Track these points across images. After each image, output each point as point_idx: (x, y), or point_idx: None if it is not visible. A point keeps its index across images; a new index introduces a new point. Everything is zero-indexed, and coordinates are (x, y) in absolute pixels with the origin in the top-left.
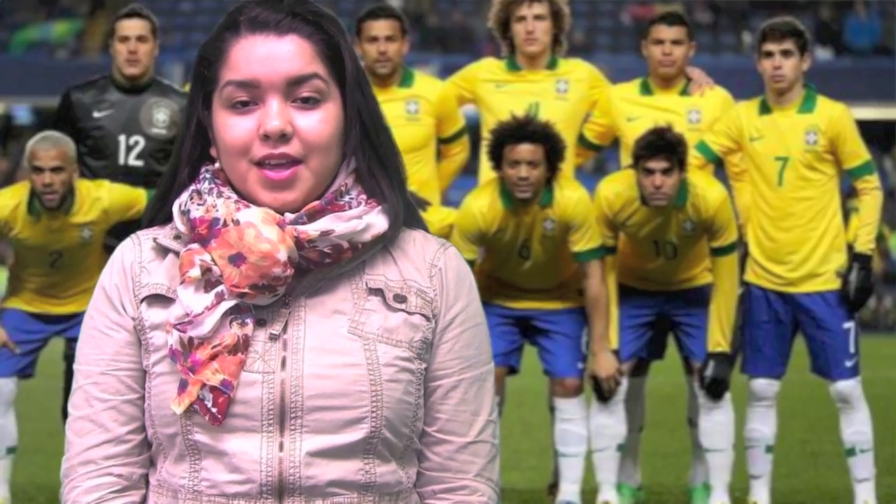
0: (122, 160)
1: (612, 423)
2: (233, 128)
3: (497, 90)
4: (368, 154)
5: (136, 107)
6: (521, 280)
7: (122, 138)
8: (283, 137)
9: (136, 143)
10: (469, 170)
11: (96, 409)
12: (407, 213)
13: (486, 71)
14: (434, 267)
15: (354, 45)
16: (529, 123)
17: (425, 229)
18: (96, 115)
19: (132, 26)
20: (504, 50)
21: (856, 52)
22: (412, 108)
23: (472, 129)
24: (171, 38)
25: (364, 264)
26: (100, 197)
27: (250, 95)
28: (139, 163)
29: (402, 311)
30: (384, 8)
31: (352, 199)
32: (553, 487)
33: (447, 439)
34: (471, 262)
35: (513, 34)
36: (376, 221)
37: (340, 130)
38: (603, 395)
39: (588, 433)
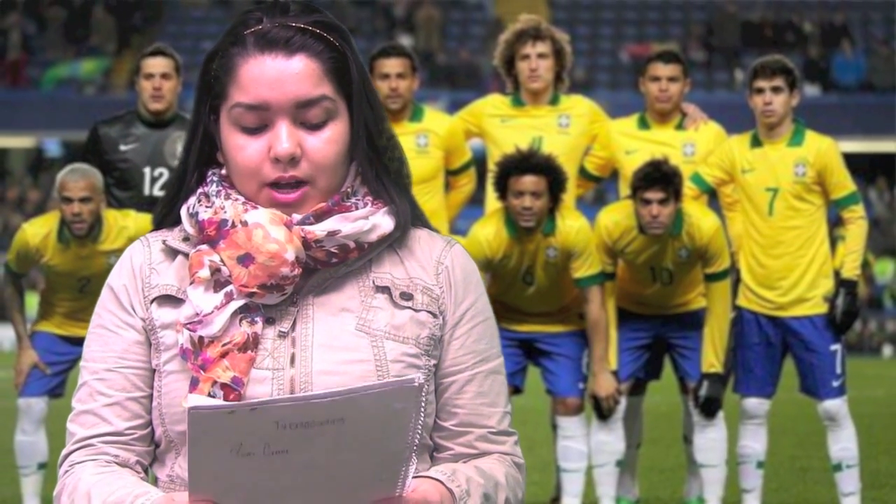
0: (147, 191)
1: (611, 440)
2: (244, 149)
3: (502, 125)
4: (374, 161)
5: (161, 140)
6: (525, 304)
7: (147, 170)
8: (293, 160)
9: (161, 174)
10: (476, 200)
11: (100, 404)
12: (413, 214)
13: (491, 106)
14: (441, 265)
15: None
16: (533, 156)
17: (431, 228)
18: (123, 148)
19: (157, 64)
20: (509, 86)
21: (842, 88)
22: (422, 142)
23: (479, 161)
24: (194, 75)
25: (371, 263)
26: (126, 226)
27: (260, 118)
28: (163, 193)
29: (409, 308)
30: (395, 47)
31: (358, 200)
32: (555, 501)
33: (467, 430)
34: None
35: (517, 72)
36: (382, 222)
37: (347, 144)
38: (602, 413)
39: (588, 449)
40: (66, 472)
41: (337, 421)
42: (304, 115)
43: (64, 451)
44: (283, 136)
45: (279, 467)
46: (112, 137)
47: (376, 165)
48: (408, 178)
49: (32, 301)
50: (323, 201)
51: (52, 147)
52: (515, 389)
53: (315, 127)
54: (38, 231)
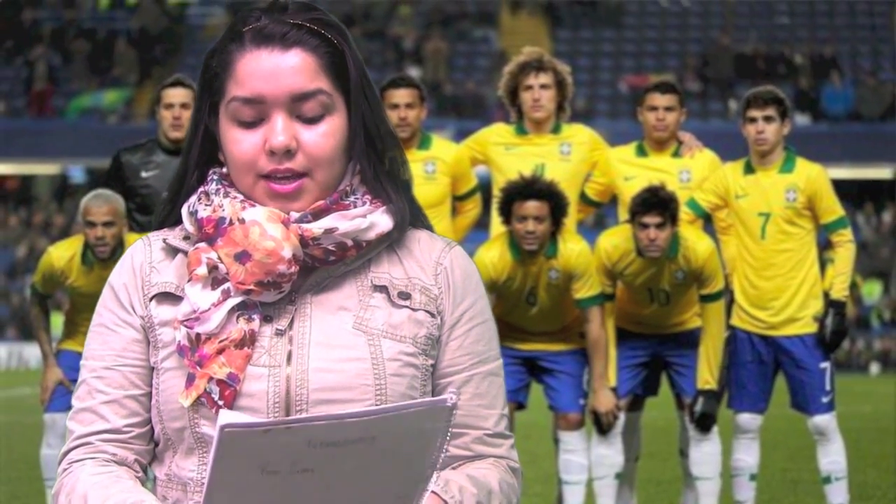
0: None
1: (610, 454)
2: (240, 143)
3: (506, 152)
4: (373, 159)
5: None
6: (528, 324)
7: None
8: (288, 153)
9: None
10: (481, 224)
11: (98, 401)
12: (412, 215)
13: (496, 135)
14: (440, 265)
15: None
16: (536, 182)
17: (430, 229)
18: (144, 174)
19: (176, 94)
20: (513, 116)
21: (831, 118)
22: (430, 169)
23: (484, 187)
24: None
25: (369, 262)
26: None
27: (256, 111)
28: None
29: (406, 307)
30: (404, 78)
31: (357, 198)
32: None
33: (464, 432)
34: None
35: (521, 101)
36: (380, 220)
37: (345, 140)
38: (602, 428)
39: (589, 463)
40: (65, 470)
41: (368, 440)
42: (301, 108)
43: (63, 449)
44: (279, 129)
45: (301, 485)
46: (134, 164)
47: (375, 163)
48: (408, 178)
49: (58, 321)
50: (320, 196)
51: (77, 174)
52: (519, 405)
53: (311, 121)
54: (62, 254)
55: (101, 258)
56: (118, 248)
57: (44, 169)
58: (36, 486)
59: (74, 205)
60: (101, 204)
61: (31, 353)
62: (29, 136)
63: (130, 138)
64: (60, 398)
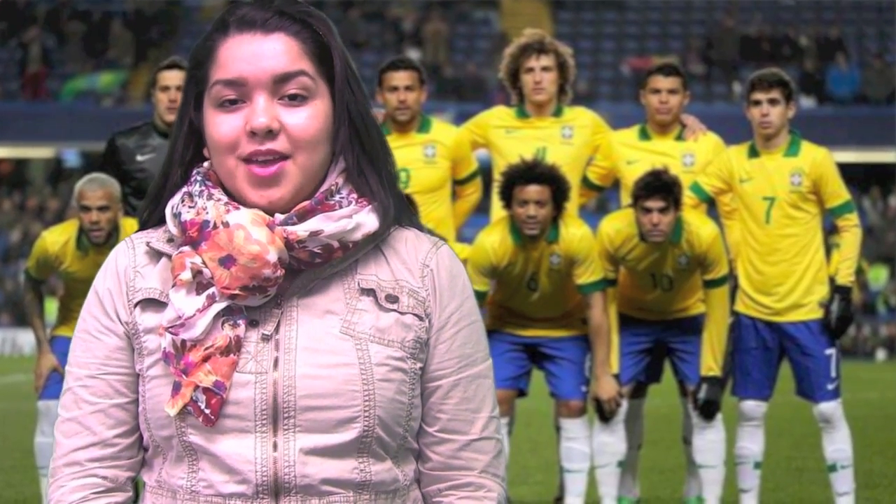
0: None
1: (612, 442)
2: (221, 125)
3: (507, 136)
4: (357, 151)
5: None
6: (529, 310)
7: None
8: (270, 134)
9: None
10: (482, 209)
11: (84, 412)
12: (399, 211)
13: (497, 118)
14: (426, 267)
15: (377, 95)
16: (537, 166)
17: (419, 227)
18: (139, 158)
19: (172, 77)
20: (514, 99)
21: (837, 100)
22: (429, 153)
23: (485, 171)
24: None
25: (356, 264)
26: None
27: (238, 93)
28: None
29: (394, 311)
30: (404, 60)
31: (342, 198)
32: (559, 501)
33: (450, 438)
34: (483, 294)
35: (522, 84)
36: (366, 220)
37: (329, 127)
38: (604, 415)
39: (591, 450)
40: (57, 503)
41: None
42: (283, 89)
43: (52, 464)
44: (260, 110)
45: None
46: (129, 148)
47: (359, 156)
48: (394, 173)
49: (52, 307)
50: (302, 183)
51: (71, 157)
52: (520, 392)
53: (294, 104)
54: (57, 239)
55: (96, 243)
56: (113, 233)
57: (38, 152)
58: (30, 475)
59: (69, 189)
60: (96, 188)
61: (26, 339)
62: (23, 120)
63: (126, 121)
64: (55, 385)
